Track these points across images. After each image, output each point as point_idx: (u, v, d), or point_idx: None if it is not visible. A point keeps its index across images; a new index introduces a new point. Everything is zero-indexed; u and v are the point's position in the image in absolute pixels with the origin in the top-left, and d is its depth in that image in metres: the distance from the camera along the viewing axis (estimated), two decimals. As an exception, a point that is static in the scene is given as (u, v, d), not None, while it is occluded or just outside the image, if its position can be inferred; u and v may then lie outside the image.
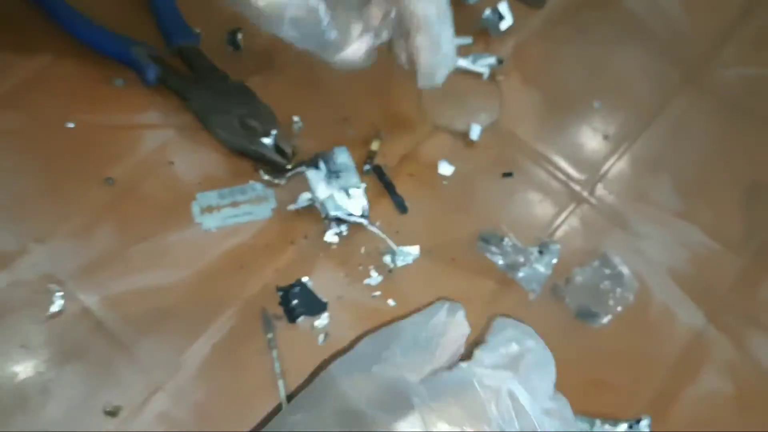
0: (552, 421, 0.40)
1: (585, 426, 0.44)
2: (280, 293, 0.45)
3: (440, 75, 0.45)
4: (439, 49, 0.43)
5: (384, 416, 0.38)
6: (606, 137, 0.55)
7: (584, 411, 0.45)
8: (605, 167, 0.54)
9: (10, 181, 0.47)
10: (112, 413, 0.41)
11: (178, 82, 0.49)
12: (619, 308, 0.49)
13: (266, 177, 0.48)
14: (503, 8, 0.56)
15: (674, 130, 0.57)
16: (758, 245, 0.53)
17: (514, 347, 0.43)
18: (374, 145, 0.50)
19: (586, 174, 0.54)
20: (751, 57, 0.61)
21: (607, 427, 0.44)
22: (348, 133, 0.51)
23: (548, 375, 0.43)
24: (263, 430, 0.41)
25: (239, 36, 0.52)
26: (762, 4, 0.63)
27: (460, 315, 0.44)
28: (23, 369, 0.42)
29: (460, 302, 0.45)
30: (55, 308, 0.44)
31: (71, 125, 0.49)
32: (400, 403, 0.39)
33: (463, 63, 0.55)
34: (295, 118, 0.51)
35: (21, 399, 0.41)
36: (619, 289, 0.49)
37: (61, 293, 0.44)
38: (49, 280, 0.44)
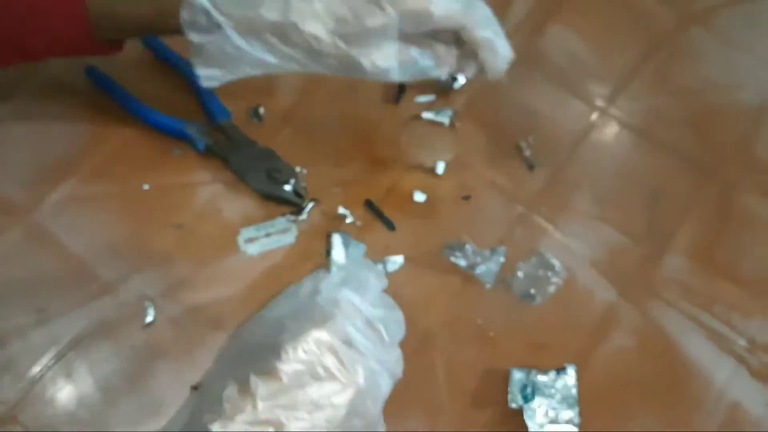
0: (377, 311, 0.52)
1: (522, 375, 0.57)
2: None
3: (504, 67, 0.56)
4: (498, 53, 0.55)
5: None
6: (539, 164, 0.67)
7: (525, 365, 0.58)
8: (538, 186, 0.67)
9: (108, 231, 0.61)
10: (196, 388, 0.56)
11: (221, 149, 0.64)
12: (551, 290, 0.62)
13: (290, 216, 0.63)
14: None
15: (591, 154, 0.69)
16: (655, 237, 0.65)
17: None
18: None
19: (525, 192, 0.66)
20: (651, 91, 0.72)
21: (540, 375, 0.57)
22: (340, 175, 0.65)
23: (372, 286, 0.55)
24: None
25: (261, 111, 0.68)
26: (658, 47, 0.75)
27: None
28: (131, 363, 0.57)
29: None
30: (149, 318, 0.58)
31: (146, 187, 0.63)
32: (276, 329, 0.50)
33: (429, 115, 0.69)
34: (297, 168, 0.65)
35: (130, 383, 0.56)
36: (551, 277, 0.63)
37: (153, 307, 0.59)
38: (144, 299, 0.59)
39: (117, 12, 0.53)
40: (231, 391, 0.46)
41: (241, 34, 0.52)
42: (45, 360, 0.57)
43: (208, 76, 0.54)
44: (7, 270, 0.60)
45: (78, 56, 0.58)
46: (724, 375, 0.61)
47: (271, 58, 0.53)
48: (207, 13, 0.51)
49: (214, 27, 0.51)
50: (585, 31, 0.76)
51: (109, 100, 0.66)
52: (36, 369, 0.57)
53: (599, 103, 0.72)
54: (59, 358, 0.57)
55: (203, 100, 0.67)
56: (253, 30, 0.51)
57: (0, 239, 0.61)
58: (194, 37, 0.52)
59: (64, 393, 0.56)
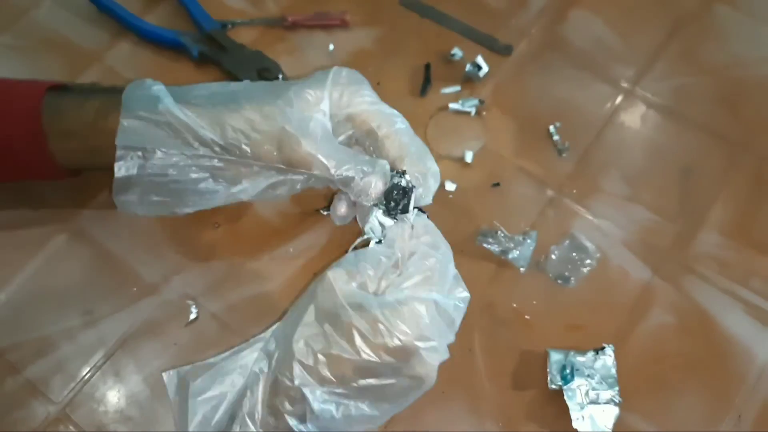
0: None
1: (560, 356, 0.57)
2: None
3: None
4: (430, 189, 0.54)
5: None
6: (567, 148, 0.68)
7: (562, 347, 0.58)
8: (568, 169, 0.67)
9: (150, 234, 0.63)
10: (241, 381, 0.59)
11: (213, 54, 0.71)
12: (585, 271, 0.63)
13: (323, 210, 0.65)
14: (480, 60, 0.70)
15: (619, 135, 0.69)
16: (688, 214, 0.65)
17: None
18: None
19: (554, 176, 0.67)
20: (679, 69, 0.72)
21: (578, 356, 0.57)
22: None
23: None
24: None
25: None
26: (683, 26, 0.75)
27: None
28: (176, 359, 0.59)
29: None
30: (192, 316, 0.60)
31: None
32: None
33: (456, 106, 0.69)
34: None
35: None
36: (585, 259, 0.63)
37: (195, 305, 0.61)
38: (186, 297, 0.61)
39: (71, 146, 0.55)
40: None
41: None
42: (94, 360, 0.59)
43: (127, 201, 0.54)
44: (54, 275, 0.62)
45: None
46: (765, 349, 0.61)
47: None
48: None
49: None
50: (608, 14, 0.76)
51: (110, 19, 0.74)
52: (86, 369, 0.59)
53: (625, 84, 0.72)
54: (107, 357, 0.59)
55: (191, 13, 0.74)
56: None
57: (46, 245, 0.63)
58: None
59: (114, 391, 0.58)
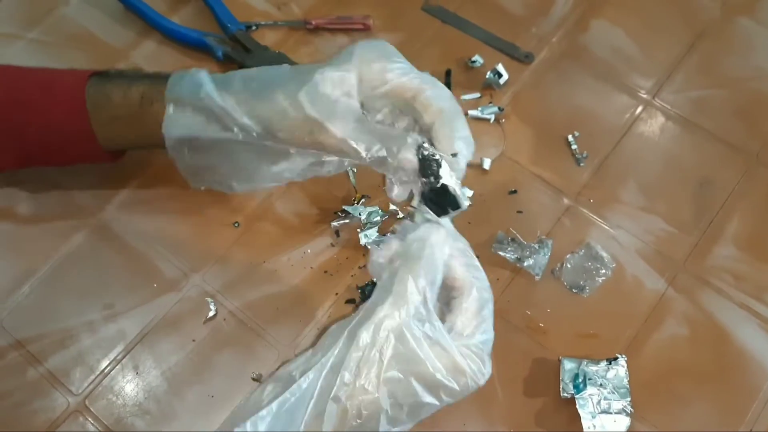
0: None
1: (573, 365, 0.58)
2: (359, 290, 0.62)
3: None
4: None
5: None
6: (585, 157, 0.68)
7: (576, 356, 0.59)
8: (585, 178, 0.68)
9: (172, 231, 0.65)
10: (257, 379, 0.59)
11: (237, 55, 0.72)
12: (600, 281, 0.63)
13: (335, 222, 0.65)
14: (500, 68, 0.70)
15: (637, 145, 0.69)
16: (704, 227, 0.66)
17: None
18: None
19: (571, 185, 0.67)
20: (698, 81, 0.73)
21: (591, 365, 0.58)
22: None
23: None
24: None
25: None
26: (703, 38, 0.75)
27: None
28: (194, 355, 0.60)
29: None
30: (211, 313, 0.61)
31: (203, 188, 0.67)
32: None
33: (475, 113, 0.70)
34: (347, 165, 0.65)
35: (196, 373, 0.59)
36: (600, 268, 0.64)
37: (214, 303, 0.62)
38: (205, 295, 0.62)
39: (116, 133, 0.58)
40: None
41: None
42: (114, 354, 0.60)
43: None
44: (77, 269, 0.63)
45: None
46: (779, 363, 0.61)
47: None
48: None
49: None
50: (628, 25, 0.76)
51: (137, 18, 0.76)
52: (106, 362, 0.60)
53: (644, 95, 0.73)
54: (127, 351, 0.60)
55: (216, 14, 0.76)
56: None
57: (70, 241, 0.64)
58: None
59: (133, 385, 0.59)
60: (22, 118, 0.57)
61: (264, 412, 0.46)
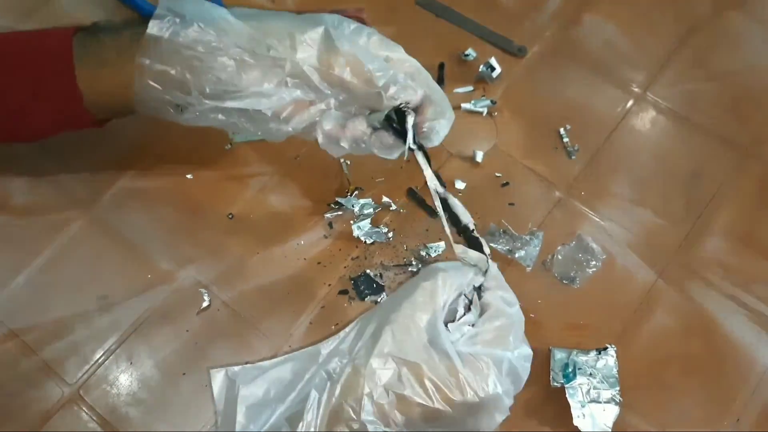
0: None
1: (563, 355, 0.59)
2: (352, 281, 0.63)
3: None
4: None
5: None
6: (576, 150, 0.69)
7: (566, 346, 0.59)
8: (576, 171, 0.68)
9: (166, 222, 0.65)
10: (250, 369, 0.61)
11: None
12: (591, 272, 0.64)
13: (334, 205, 0.66)
14: (493, 62, 0.71)
15: (628, 139, 0.70)
16: (694, 219, 0.66)
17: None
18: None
19: (563, 178, 0.68)
20: (689, 75, 0.73)
21: (581, 355, 0.58)
22: (383, 166, 0.65)
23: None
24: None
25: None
26: (695, 32, 0.76)
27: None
28: (188, 345, 0.60)
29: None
30: (204, 304, 0.62)
31: (189, 177, 0.67)
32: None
33: (468, 106, 0.71)
34: (341, 159, 0.67)
35: (189, 364, 0.59)
36: (591, 260, 0.64)
37: (207, 293, 0.62)
38: (199, 285, 0.62)
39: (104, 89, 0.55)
40: None
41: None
42: (108, 344, 0.61)
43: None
44: (72, 260, 0.64)
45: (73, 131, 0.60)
46: (766, 354, 0.62)
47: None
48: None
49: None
50: (621, 20, 0.77)
51: (131, 11, 0.75)
52: (100, 352, 0.60)
53: (636, 89, 0.73)
54: (121, 342, 0.61)
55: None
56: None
57: (64, 231, 0.65)
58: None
59: (127, 375, 0.60)
60: (5, 79, 0.55)
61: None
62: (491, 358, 0.50)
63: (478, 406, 0.49)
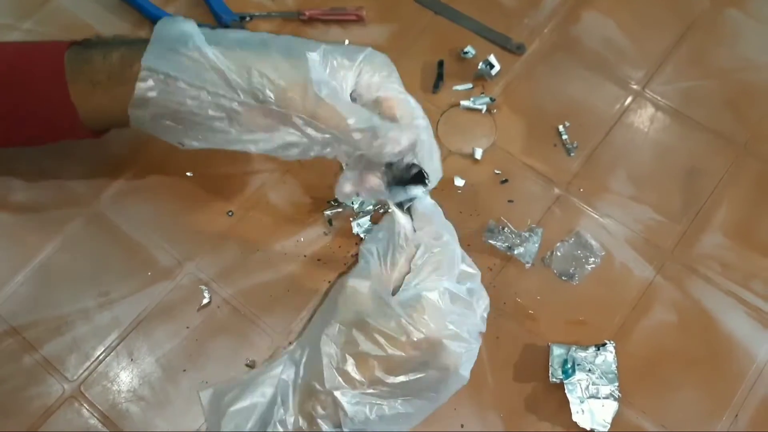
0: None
1: (562, 351, 0.59)
2: None
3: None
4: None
5: None
6: (575, 147, 0.69)
7: (565, 342, 0.60)
8: (575, 168, 0.68)
9: (166, 219, 0.65)
10: (250, 365, 0.60)
11: None
12: (589, 269, 0.64)
13: (328, 211, 0.66)
14: (492, 59, 0.71)
15: (626, 136, 0.70)
16: (692, 215, 0.67)
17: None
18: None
19: (561, 175, 0.68)
20: (688, 72, 0.73)
21: (580, 351, 0.59)
22: None
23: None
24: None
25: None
26: (693, 29, 0.76)
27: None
28: (188, 342, 0.61)
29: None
30: (204, 301, 0.62)
31: (189, 174, 0.68)
32: None
33: (467, 103, 0.71)
34: None
35: (191, 360, 0.60)
36: (589, 256, 0.64)
37: (208, 290, 0.62)
38: (199, 282, 0.63)
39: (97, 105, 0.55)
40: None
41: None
42: (109, 341, 0.61)
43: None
44: (72, 257, 0.64)
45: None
46: (765, 350, 0.62)
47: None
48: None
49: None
50: (619, 17, 0.77)
51: (132, 9, 0.76)
52: (101, 349, 0.61)
53: (634, 86, 0.73)
54: (122, 339, 0.61)
55: (210, 5, 0.76)
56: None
57: (65, 228, 0.65)
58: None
59: (128, 371, 0.60)
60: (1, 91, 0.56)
61: None
62: (428, 293, 0.50)
63: (432, 345, 0.49)
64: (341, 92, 0.52)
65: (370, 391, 0.50)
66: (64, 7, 0.77)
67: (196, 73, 0.51)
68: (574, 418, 0.57)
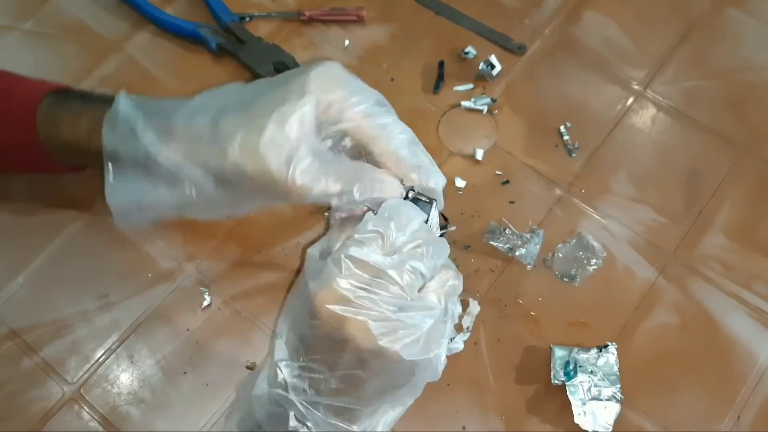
0: None
1: (564, 353, 0.59)
2: None
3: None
4: None
5: None
6: (576, 147, 0.69)
7: (567, 343, 0.59)
8: (576, 169, 0.68)
9: (166, 222, 0.60)
10: (251, 367, 0.59)
11: (231, 46, 0.72)
12: (591, 270, 0.64)
13: (328, 213, 0.65)
14: (493, 59, 0.71)
15: (628, 136, 0.70)
16: (694, 216, 0.66)
17: None
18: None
19: (563, 176, 0.68)
20: (689, 72, 0.73)
21: (582, 353, 0.58)
22: None
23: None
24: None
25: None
26: (694, 29, 0.75)
27: None
28: (189, 344, 0.60)
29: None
30: (205, 303, 0.62)
31: None
32: None
33: (468, 104, 0.70)
34: None
35: (191, 362, 0.59)
36: (591, 258, 0.64)
37: (208, 292, 0.62)
38: (200, 284, 0.62)
39: (62, 138, 0.55)
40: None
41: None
42: (109, 343, 0.61)
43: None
44: (71, 259, 0.64)
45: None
46: (767, 351, 0.62)
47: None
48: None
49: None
50: (620, 17, 0.77)
51: (131, 9, 0.76)
52: (100, 352, 0.60)
53: (636, 86, 0.73)
54: (122, 341, 0.61)
55: (210, 5, 0.76)
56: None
57: (64, 230, 0.65)
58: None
59: (128, 374, 0.60)
60: None
61: None
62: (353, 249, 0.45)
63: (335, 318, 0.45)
64: (309, 161, 0.46)
65: (302, 363, 0.49)
66: (64, 7, 0.77)
67: (158, 187, 0.50)
68: (576, 420, 0.57)
